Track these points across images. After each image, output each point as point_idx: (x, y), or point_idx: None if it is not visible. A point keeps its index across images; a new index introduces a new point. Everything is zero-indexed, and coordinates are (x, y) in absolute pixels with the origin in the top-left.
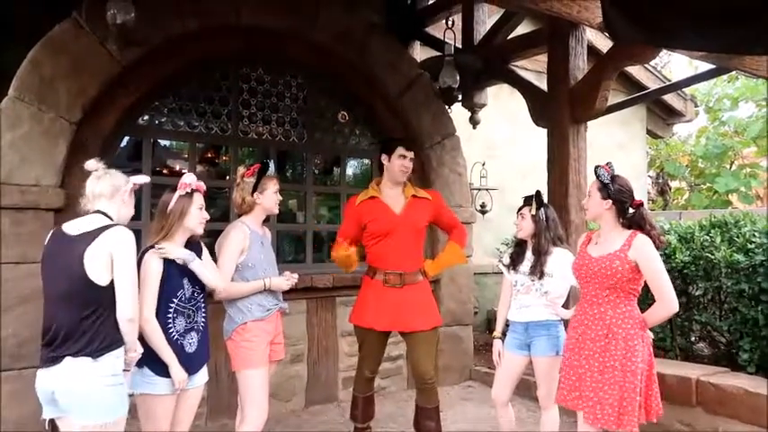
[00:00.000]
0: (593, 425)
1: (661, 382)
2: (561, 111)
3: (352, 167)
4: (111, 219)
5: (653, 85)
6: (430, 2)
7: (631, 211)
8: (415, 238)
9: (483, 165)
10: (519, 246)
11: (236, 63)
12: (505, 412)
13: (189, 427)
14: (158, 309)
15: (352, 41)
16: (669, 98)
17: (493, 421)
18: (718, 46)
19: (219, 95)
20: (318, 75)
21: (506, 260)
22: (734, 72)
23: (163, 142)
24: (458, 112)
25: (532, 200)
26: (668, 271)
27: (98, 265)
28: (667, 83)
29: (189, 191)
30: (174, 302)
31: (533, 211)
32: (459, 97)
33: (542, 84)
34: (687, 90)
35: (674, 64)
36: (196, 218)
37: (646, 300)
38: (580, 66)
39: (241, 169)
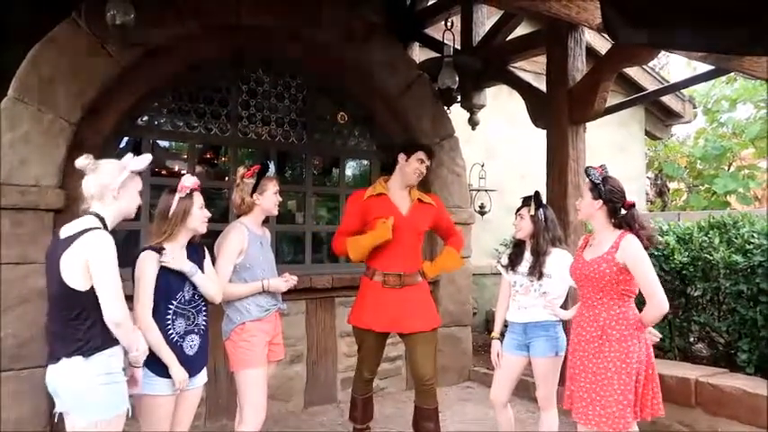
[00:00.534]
0: (586, 425)
1: (660, 383)
2: (560, 112)
3: (351, 168)
4: (103, 219)
5: (651, 86)
6: (429, 3)
7: (623, 211)
8: (416, 241)
9: (482, 166)
10: (517, 246)
11: (235, 64)
12: (504, 413)
13: (188, 428)
14: (157, 310)
15: (351, 42)
16: (667, 99)
17: (492, 422)
18: (717, 46)
19: (219, 96)
20: (318, 76)
21: (505, 261)
22: (732, 73)
23: (162, 143)
24: (457, 113)
25: (531, 200)
26: (667, 272)
27: (74, 271)
28: (666, 84)
29: (189, 192)
30: (173, 304)
31: (532, 212)
32: (459, 98)
33: (541, 85)
34: (685, 91)
35: (673, 65)
36: (198, 218)
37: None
38: (579, 67)
39: (241, 170)
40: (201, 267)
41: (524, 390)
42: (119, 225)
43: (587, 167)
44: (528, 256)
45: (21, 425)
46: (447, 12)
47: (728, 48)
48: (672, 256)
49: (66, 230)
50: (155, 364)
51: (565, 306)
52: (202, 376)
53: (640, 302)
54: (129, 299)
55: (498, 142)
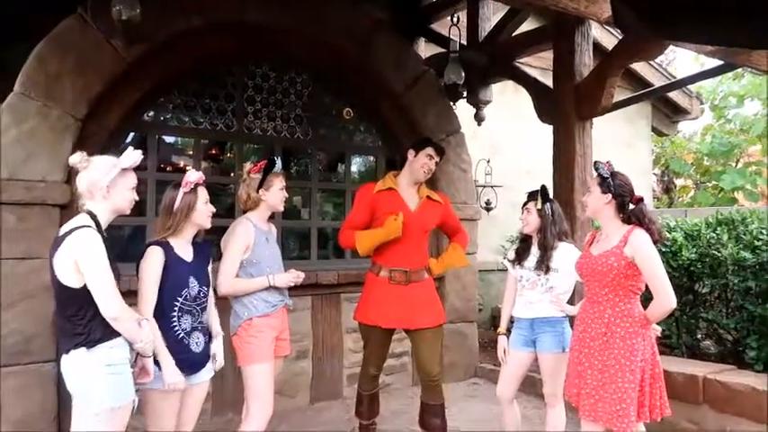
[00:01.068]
0: (594, 422)
1: (667, 380)
2: (567, 107)
3: (356, 164)
4: (96, 217)
5: (658, 82)
6: None
7: (631, 206)
8: (423, 237)
9: (488, 162)
10: (524, 241)
11: (240, 59)
12: (510, 409)
13: (194, 423)
14: (164, 306)
15: (357, 38)
16: (674, 96)
17: (498, 418)
18: (729, 40)
19: (224, 92)
20: (323, 71)
21: (511, 256)
22: (740, 69)
23: (168, 139)
24: (463, 109)
25: (537, 195)
26: (674, 268)
27: (66, 270)
28: (673, 80)
29: (193, 187)
30: (178, 301)
31: (539, 206)
32: (464, 94)
33: (547, 81)
34: (693, 88)
35: (680, 61)
36: (203, 213)
37: (651, 296)
38: (586, 62)
39: (247, 165)
40: (206, 265)
41: (531, 386)
42: (124, 221)
43: (596, 162)
44: (535, 251)
45: (28, 419)
46: (453, 7)
47: (740, 42)
48: (679, 252)
49: (62, 228)
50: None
51: (571, 302)
52: (208, 371)
53: (646, 300)
54: (135, 294)
55: (504, 138)
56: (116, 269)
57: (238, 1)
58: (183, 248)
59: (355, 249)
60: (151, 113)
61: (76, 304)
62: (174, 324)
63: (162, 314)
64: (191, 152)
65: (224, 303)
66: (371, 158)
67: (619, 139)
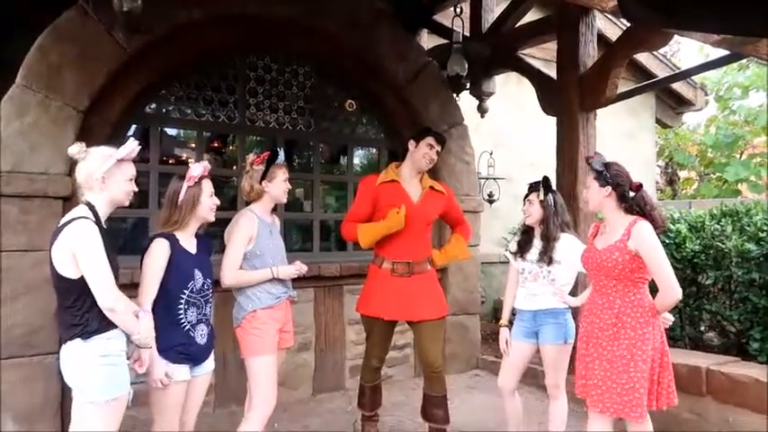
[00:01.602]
0: (602, 413)
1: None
2: (570, 98)
3: (359, 156)
4: (94, 208)
5: (662, 73)
6: None
7: (631, 194)
8: (425, 229)
9: (491, 154)
10: (526, 233)
11: (242, 51)
12: (512, 400)
13: (197, 414)
14: (171, 299)
15: (359, 29)
16: (679, 87)
17: (500, 410)
18: (737, 29)
19: (226, 84)
20: (326, 63)
21: (514, 247)
22: (745, 60)
23: (170, 131)
24: (465, 101)
25: (539, 185)
26: (678, 260)
27: (63, 261)
28: (677, 71)
29: (197, 180)
30: (185, 293)
31: (541, 197)
32: (467, 86)
33: (551, 72)
34: (697, 79)
35: (684, 52)
36: (207, 206)
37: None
38: (590, 53)
39: (250, 156)
40: (208, 257)
41: (533, 377)
42: (127, 213)
43: (587, 157)
44: (537, 243)
45: (32, 411)
46: None
47: (748, 30)
48: (683, 244)
49: (62, 220)
50: (166, 350)
51: (573, 293)
52: (210, 362)
53: (654, 289)
54: (137, 286)
55: (507, 130)
56: (114, 260)
57: None
58: (188, 241)
59: (358, 242)
60: (153, 105)
61: (74, 295)
62: (181, 317)
63: (168, 307)
64: (193, 144)
65: (226, 295)
66: (374, 150)
67: (622, 131)
